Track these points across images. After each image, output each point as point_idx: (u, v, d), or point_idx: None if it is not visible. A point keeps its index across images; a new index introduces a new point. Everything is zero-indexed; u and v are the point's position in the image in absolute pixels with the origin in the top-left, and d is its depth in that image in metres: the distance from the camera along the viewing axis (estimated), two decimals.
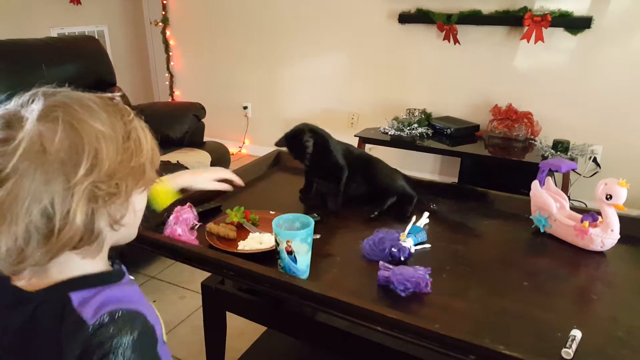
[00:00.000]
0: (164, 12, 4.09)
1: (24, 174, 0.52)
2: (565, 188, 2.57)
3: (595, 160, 2.75)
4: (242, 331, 1.69)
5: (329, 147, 1.32)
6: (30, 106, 0.55)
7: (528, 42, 2.71)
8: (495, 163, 2.74)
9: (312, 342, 1.39)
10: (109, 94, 0.62)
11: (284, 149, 1.33)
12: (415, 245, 1.10)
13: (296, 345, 1.63)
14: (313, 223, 0.99)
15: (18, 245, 0.54)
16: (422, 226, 1.18)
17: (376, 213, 1.28)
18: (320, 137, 1.30)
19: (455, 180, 3.05)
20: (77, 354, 0.55)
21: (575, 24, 2.64)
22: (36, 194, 0.52)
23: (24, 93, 0.58)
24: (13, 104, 0.57)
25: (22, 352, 0.61)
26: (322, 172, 1.35)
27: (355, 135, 3.02)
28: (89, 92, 0.60)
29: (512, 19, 2.78)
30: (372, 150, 3.22)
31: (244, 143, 4.05)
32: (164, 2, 4.05)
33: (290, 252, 0.97)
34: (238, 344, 1.63)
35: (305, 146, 1.25)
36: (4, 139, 0.53)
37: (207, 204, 1.33)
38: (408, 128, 2.94)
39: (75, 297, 0.58)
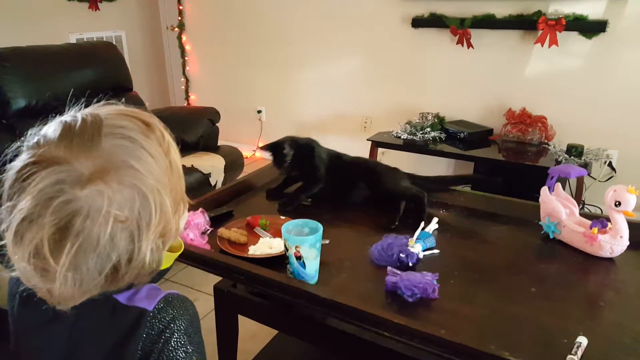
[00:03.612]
0: (180, 18, 4.15)
1: (90, 234, 0.53)
2: (579, 193, 2.54)
3: (610, 164, 2.72)
4: (254, 334, 1.71)
5: (313, 158, 1.42)
6: (81, 156, 0.53)
7: (542, 46, 2.69)
8: (508, 167, 2.73)
9: (322, 346, 1.40)
10: (143, 116, 0.61)
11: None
12: (424, 250, 1.11)
13: (307, 349, 1.64)
14: (322, 229, 1.01)
15: (81, 289, 0.55)
16: (431, 232, 1.19)
17: (396, 223, 1.27)
18: (304, 148, 1.43)
19: (468, 184, 3.03)
20: (141, 343, 0.59)
21: (590, 28, 2.62)
22: (102, 252, 0.54)
23: (56, 119, 0.58)
24: (55, 142, 0.54)
25: None
26: (303, 178, 1.44)
27: (368, 139, 3.02)
28: (123, 110, 0.60)
29: (526, 23, 2.77)
30: (384, 154, 3.22)
31: (258, 147, 4.09)
32: (180, 7, 4.12)
33: (299, 258, 0.98)
34: (250, 347, 1.65)
35: (284, 154, 1.38)
36: (66, 201, 0.52)
37: (218, 209, 1.35)
38: (421, 132, 2.94)
39: (120, 297, 0.61)
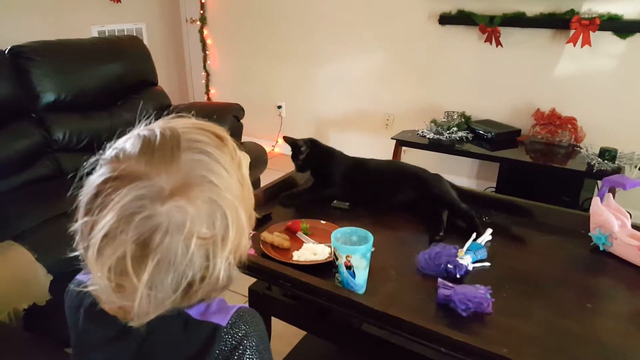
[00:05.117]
0: (202, 11, 4.12)
1: (169, 251, 0.51)
2: None
3: None
4: (281, 334, 1.70)
5: (329, 161, 1.49)
6: (161, 171, 0.52)
7: (574, 45, 2.62)
8: (535, 169, 2.68)
9: (353, 350, 1.38)
10: (216, 129, 0.60)
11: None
12: (474, 262, 1.08)
13: (336, 351, 1.63)
14: (372, 238, 0.98)
15: (156, 306, 0.54)
16: (483, 243, 1.16)
17: (441, 234, 1.23)
18: (323, 151, 1.50)
19: (493, 185, 2.99)
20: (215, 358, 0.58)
21: (625, 28, 2.54)
22: (179, 269, 0.53)
23: (134, 130, 0.57)
24: (136, 157, 0.53)
25: None
26: (317, 179, 1.52)
27: (392, 138, 2.98)
28: (197, 123, 0.59)
29: (558, 22, 2.70)
30: (405, 152, 3.18)
31: (277, 142, 4.07)
32: (202, 0, 4.08)
33: (349, 267, 0.96)
34: (278, 347, 1.63)
35: (300, 151, 1.47)
36: (147, 216, 0.50)
37: (256, 212, 1.33)
38: (447, 131, 2.89)
39: (192, 312, 0.61)
